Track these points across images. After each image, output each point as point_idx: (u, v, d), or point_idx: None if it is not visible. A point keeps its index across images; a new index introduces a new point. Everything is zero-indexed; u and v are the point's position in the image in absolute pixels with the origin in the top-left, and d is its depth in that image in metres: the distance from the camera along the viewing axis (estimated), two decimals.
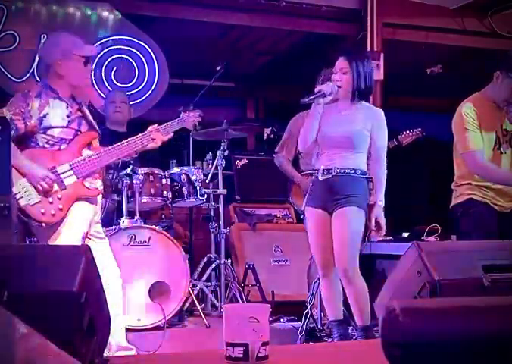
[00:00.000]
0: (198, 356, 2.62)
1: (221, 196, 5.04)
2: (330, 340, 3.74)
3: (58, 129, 3.20)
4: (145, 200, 4.61)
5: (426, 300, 2.15)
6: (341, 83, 3.56)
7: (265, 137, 7.43)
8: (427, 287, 2.32)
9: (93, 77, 5.68)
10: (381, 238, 4.95)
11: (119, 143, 3.32)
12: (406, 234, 4.99)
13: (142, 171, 4.59)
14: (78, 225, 3.20)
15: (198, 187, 4.79)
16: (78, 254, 2.10)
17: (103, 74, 5.77)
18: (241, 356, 2.11)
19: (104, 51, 5.76)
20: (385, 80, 6.09)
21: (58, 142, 3.20)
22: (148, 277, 4.39)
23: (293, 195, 4.80)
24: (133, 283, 4.33)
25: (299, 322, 4.12)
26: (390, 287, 2.59)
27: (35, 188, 3.11)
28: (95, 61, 5.70)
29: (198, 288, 4.84)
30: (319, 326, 3.96)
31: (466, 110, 3.66)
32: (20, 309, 1.61)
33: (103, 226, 3.51)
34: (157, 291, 4.38)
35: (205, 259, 5.00)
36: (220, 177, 5.02)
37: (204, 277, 4.89)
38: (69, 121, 3.23)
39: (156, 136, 3.39)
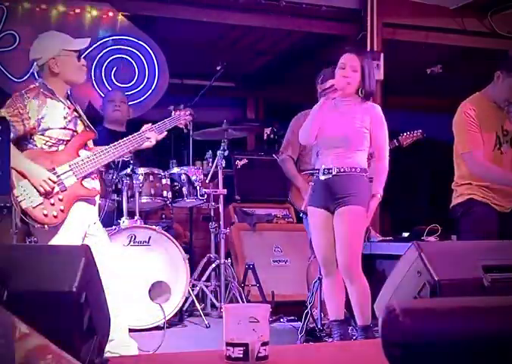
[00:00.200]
0: (198, 356, 2.62)
1: (221, 196, 5.04)
2: (330, 340, 3.74)
3: (56, 130, 3.19)
4: (145, 200, 4.62)
5: (426, 300, 2.15)
6: (350, 80, 3.55)
7: (265, 137, 7.43)
8: (427, 287, 2.32)
9: (93, 77, 5.68)
10: (381, 238, 4.97)
11: (115, 143, 3.33)
12: (406, 234, 5.00)
13: (142, 170, 4.59)
14: (77, 226, 3.20)
15: (198, 187, 4.79)
16: (78, 254, 2.10)
17: (103, 74, 5.77)
18: (241, 356, 2.11)
19: (104, 51, 5.76)
20: (385, 80, 6.09)
21: (56, 144, 3.20)
22: (148, 277, 4.39)
23: (293, 195, 4.80)
24: (133, 283, 4.33)
25: (299, 322, 4.12)
26: (390, 287, 2.59)
27: (37, 190, 3.10)
28: (95, 61, 5.70)
29: (198, 288, 4.84)
30: (319, 326, 3.96)
31: (467, 110, 3.66)
32: (20, 309, 1.61)
33: (103, 226, 3.50)
34: (157, 291, 4.38)
35: (205, 259, 5.01)
36: (220, 177, 5.02)
37: (204, 277, 4.89)
38: (66, 122, 3.23)
39: (151, 135, 3.41)
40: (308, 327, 3.95)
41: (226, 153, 5.02)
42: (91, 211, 3.30)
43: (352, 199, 3.49)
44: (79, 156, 3.23)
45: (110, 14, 5.76)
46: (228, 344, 2.14)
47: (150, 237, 4.41)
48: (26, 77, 5.37)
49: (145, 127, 3.45)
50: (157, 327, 4.20)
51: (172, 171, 4.84)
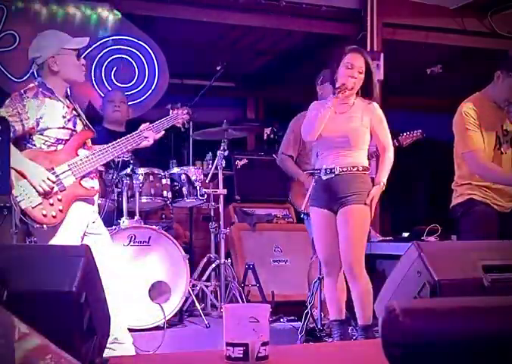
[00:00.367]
0: (198, 356, 2.62)
1: (221, 196, 5.04)
2: (330, 340, 3.74)
3: (55, 130, 3.19)
4: (145, 200, 4.62)
5: (426, 300, 2.15)
6: (357, 81, 3.56)
7: (265, 137, 7.43)
8: (427, 287, 2.32)
9: (93, 77, 5.68)
10: (381, 238, 4.97)
11: (113, 142, 3.33)
12: (406, 234, 4.99)
13: (142, 170, 4.59)
14: (76, 226, 3.20)
15: (198, 187, 4.79)
16: (78, 254, 2.10)
17: (103, 74, 5.77)
18: (241, 356, 2.11)
19: (104, 51, 5.76)
20: (385, 79, 6.09)
21: (55, 143, 3.19)
22: (148, 277, 4.39)
23: (293, 195, 4.80)
24: (133, 283, 4.33)
25: (299, 322, 4.12)
26: (390, 287, 2.59)
27: (36, 190, 3.09)
28: (95, 60, 5.70)
29: (198, 288, 4.84)
30: (319, 326, 3.96)
31: (467, 110, 3.66)
32: (20, 309, 1.61)
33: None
34: (157, 291, 4.38)
35: (205, 259, 5.01)
36: (220, 177, 5.02)
37: (204, 277, 4.89)
38: (65, 122, 3.23)
39: (148, 134, 3.41)
40: (308, 327, 3.95)
41: (226, 153, 5.02)
42: (90, 210, 3.29)
43: (355, 198, 3.50)
44: (78, 156, 3.23)
45: (110, 14, 5.76)
46: (228, 344, 2.14)
47: (150, 237, 4.41)
48: (26, 77, 5.37)
49: (143, 126, 3.45)
50: (157, 327, 4.20)
51: (172, 171, 4.84)
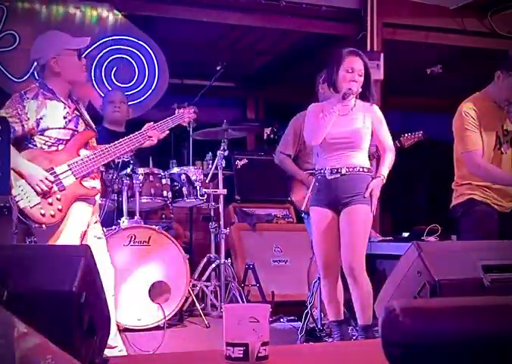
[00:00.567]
0: (198, 356, 2.62)
1: (221, 196, 5.04)
2: (330, 340, 3.74)
3: (55, 130, 3.19)
4: (145, 200, 4.62)
5: (426, 300, 2.14)
6: (358, 85, 3.57)
7: (265, 137, 7.44)
8: (427, 287, 2.32)
9: (93, 77, 5.68)
10: (381, 238, 4.96)
11: (116, 142, 3.32)
12: (406, 234, 4.99)
13: (142, 170, 4.59)
14: (76, 225, 3.20)
15: (198, 187, 4.79)
16: (78, 254, 2.10)
17: (103, 74, 5.77)
18: (242, 356, 2.11)
19: (104, 51, 5.76)
20: (385, 79, 6.09)
21: (56, 143, 3.20)
22: (148, 277, 4.39)
23: (293, 194, 4.79)
24: (133, 283, 4.33)
25: (299, 322, 4.12)
26: (390, 287, 2.59)
27: (34, 189, 3.11)
28: (95, 60, 5.70)
29: (198, 288, 4.84)
30: (319, 326, 3.96)
31: (467, 110, 3.66)
32: (20, 309, 1.61)
33: (103, 226, 3.51)
34: (157, 291, 4.38)
35: (205, 259, 5.01)
36: (220, 177, 5.02)
37: (204, 277, 4.89)
38: (66, 122, 3.23)
39: (152, 133, 3.40)
40: (308, 327, 3.95)
41: (226, 153, 5.02)
42: (90, 210, 3.29)
43: (360, 199, 3.51)
44: (79, 155, 3.23)
45: (110, 14, 5.76)
46: (228, 344, 2.14)
47: (150, 237, 4.40)
48: (26, 77, 5.37)
49: (147, 125, 3.45)
50: (157, 327, 4.19)
51: (172, 171, 4.84)
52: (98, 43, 5.69)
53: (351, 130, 3.57)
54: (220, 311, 4.55)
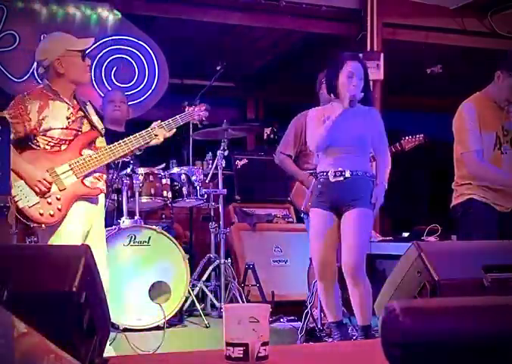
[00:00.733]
0: (198, 356, 2.61)
1: (221, 196, 5.04)
2: (330, 340, 3.74)
3: (58, 130, 3.21)
4: (145, 200, 4.62)
5: (426, 300, 2.14)
6: (360, 89, 3.58)
7: (265, 137, 7.44)
8: (427, 287, 2.32)
9: (93, 77, 5.68)
10: (381, 238, 4.97)
11: (120, 141, 3.32)
12: (406, 234, 5.00)
13: (142, 170, 4.59)
14: (78, 225, 3.20)
15: (198, 187, 4.79)
16: (78, 254, 2.10)
17: (103, 74, 5.77)
18: (241, 356, 2.10)
19: (104, 51, 5.76)
20: (385, 80, 6.09)
21: (58, 144, 3.22)
22: (148, 277, 4.39)
23: (294, 194, 4.79)
24: (133, 283, 4.33)
25: (299, 322, 4.12)
26: (390, 287, 2.59)
27: (33, 190, 3.14)
28: (95, 60, 5.70)
29: (198, 288, 4.84)
30: (319, 326, 3.96)
31: (467, 110, 3.66)
32: (20, 309, 1.61)
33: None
34: (157, 291, 4.38)
35: (205, 259, 5.01)
36: (220, 177, 5.02)
37: (204, 277, 4.89)
38: (69, 122, 3.24)
39: (159, 132, 3.39)
40: (308, 327, 3.95)
41: (226, 153, 5.02)
42: (93, 210, 3.30)
43: (363, 202, 3.52)
44: (81, 155, 3.24)
45: (110, 14, 5.76)
46: (228, 344, 2.14)
47: (150, 237, 4.41)
48: (26, 77, 5.38)
49: (155, 123, 3.43)
50: (157, 327, 4.20)
51: (172, 171, 4.84)
52: (98, 43, 5.68)
53: (355, 136, 3.58)
54: (220, 311, 4.55)
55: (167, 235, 4.48)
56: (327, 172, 3.58)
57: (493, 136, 3.69)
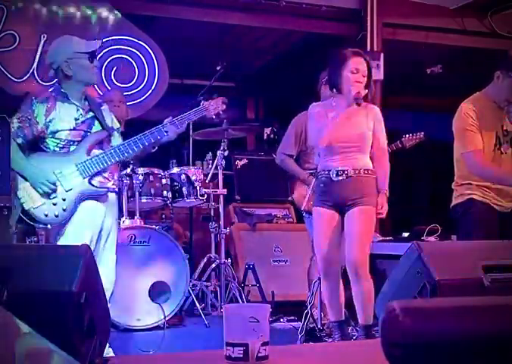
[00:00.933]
0: (198, 356, 2.62)
1: (221, 196, 5.04)
2: (330, 340, 3.74)
3: (65, 132, 3.26)
4: (145, 200, 4.62)
5: (426, 300, 2.15)
6: (363, 86, 3.56)
7: (265, 137, 7.43)
8: (427, 287, 2.32)
9: None
10: (381, 238, 4.96)
11: (130, 139, 3.34)
12: (406, 234, 4.99)
13: (142, 170, 4.60)
14: (85, 225, 3.22)
15: (198, 187, 4.79)
16: (78, 254, 2.10)
17: (103, 74, 5.76)
18: (242, 356, 2.10)
19: (104, 51, 5.75)
20: (385, 80, 6.09)
21: (67, 145, 3.28)
22: (148, 277, 4.39)
23: (296, 194, 4.78)
24: (133, 283, 4.33)
25: (299, 322, 4.11)
26: (390, 287, 2.59)
27: (38, 191, 3.19)
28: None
29: (198, 288, 4.84)
30: (319, 326, 3.95)
31: (467, 110, 3.66)
32: (20, 309, 1.61)
33: None
34: (157, 291, 4.38)
35: (205, 259, 5.01)
36: (220, 177, 5.02)
37: (204, 277, 4.89)
38: (77, 123, 3.29)
39: (169, 128, 3.38)
40: (308, 327, 3.94)
41: (226, 153, 5.02)
42: (102, 209, 3.30)
43: (366, 200, 3.52)
44: (89, 156, 3.26)
45: (110, 14, 5.76)
46: (228, 344, 2.14)
47: (150, 237, 4.41)
48: (26, 77, 5.37)
49: (166, 120, 3.43)
50: (157, 327, 4.20)
51: (172, 171, 4.84)
52: None
53: (357, 134, 3.57)
54: (220, 311, 4.55)
55: (167, 235, 4.48)
56: (329, 171, 3.58)
57: (493, 136, 3.69)
